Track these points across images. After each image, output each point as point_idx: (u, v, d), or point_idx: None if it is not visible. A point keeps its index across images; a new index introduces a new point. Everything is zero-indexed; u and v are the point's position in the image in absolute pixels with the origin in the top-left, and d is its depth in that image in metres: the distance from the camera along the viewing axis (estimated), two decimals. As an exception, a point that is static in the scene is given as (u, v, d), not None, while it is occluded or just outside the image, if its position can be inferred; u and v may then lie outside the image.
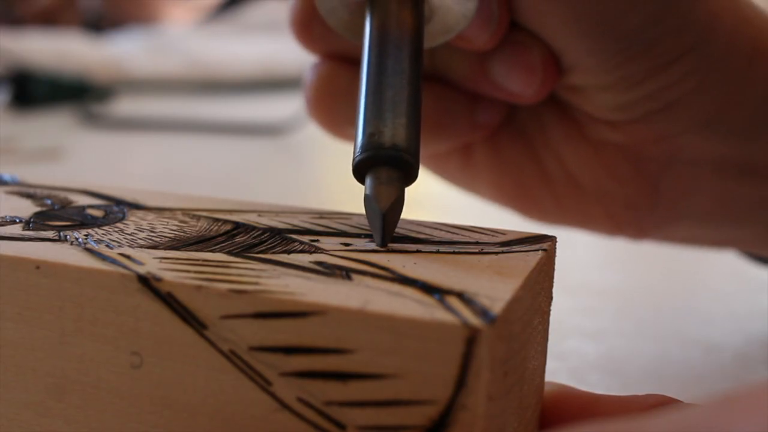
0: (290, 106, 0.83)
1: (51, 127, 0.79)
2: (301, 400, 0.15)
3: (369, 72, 0.21)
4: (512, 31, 0.24)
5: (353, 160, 0.19)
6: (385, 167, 0.19)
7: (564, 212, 0.28)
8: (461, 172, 0.29)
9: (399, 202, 0.18)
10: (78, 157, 0.65)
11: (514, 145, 0.28)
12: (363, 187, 0.19)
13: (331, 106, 0.26)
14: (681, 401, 0.17)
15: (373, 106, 0.20)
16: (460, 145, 0.28)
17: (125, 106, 0.91)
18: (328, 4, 0.23)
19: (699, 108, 0.25)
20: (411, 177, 0.19)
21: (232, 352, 0.15)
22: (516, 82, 0.24)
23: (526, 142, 0.28)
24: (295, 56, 1.14)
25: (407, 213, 0.19)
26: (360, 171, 0.19)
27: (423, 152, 0.29)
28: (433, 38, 0.23)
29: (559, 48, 0.24)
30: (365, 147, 0.19)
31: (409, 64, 0.21)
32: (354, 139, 0.20)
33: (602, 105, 0.25)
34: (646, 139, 0.26)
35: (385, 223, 0.18)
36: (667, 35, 0.23)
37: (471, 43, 0.24)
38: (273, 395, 0.15)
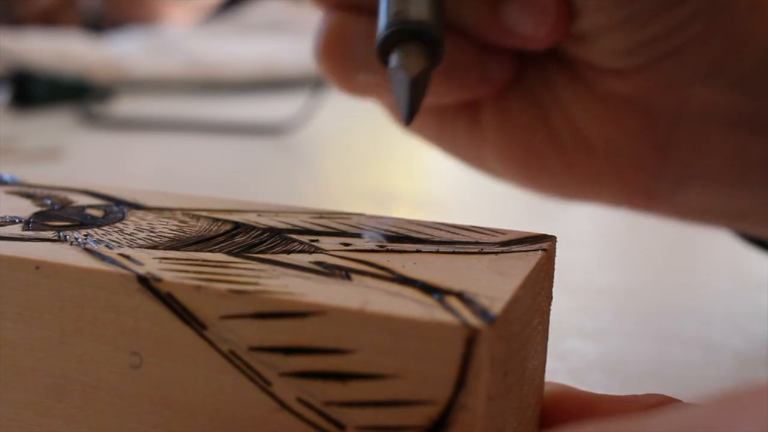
0: (290, 106, 0.83)
1: (51, 127, 0.79)
2: (300, 400, 0.15)
3: None
4: None
5: (378, 38, 0.19)
6: (412, 42, 0.19)
7: (573, 176, 0.28)
8: (468, 137, 0.29)
9: (426, 75, 0.18)
10: (78, 157, 0.65)
11: (522, 106, 0.28)
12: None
13: (342, 53, 0.26)
14: (681, 401, 0.17)
15: None
16: (468, 100, 0.28)
17: (125, 106, 0.91)
18: None
19: (704, 54, 0.25)
20: (437, 55, 0.19)
21: (232, 352, 0.15)
22: (528, 24, 0.24)
23: (534, 102, 0.27)
24: (295, 56, 1.14)
25: (408, 213, 0.19)
26: (385, 48, 0.19)
27: (430, 116, 0.28)
28: None
29: None
30: (391, 23, 0.19)
31: None
32: (378, 22, 0.20)
33: (610, 50, 0.25)
34: (653, 89, 0.25)
35: (412, 93, 0.17)
36: None
37: None
38: (272, 395, 0.15)
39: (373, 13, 0.25)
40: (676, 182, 0.27)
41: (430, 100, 0.27)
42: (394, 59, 0.19)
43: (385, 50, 0.19)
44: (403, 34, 0.19)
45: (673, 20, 0.24)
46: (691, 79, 0.25)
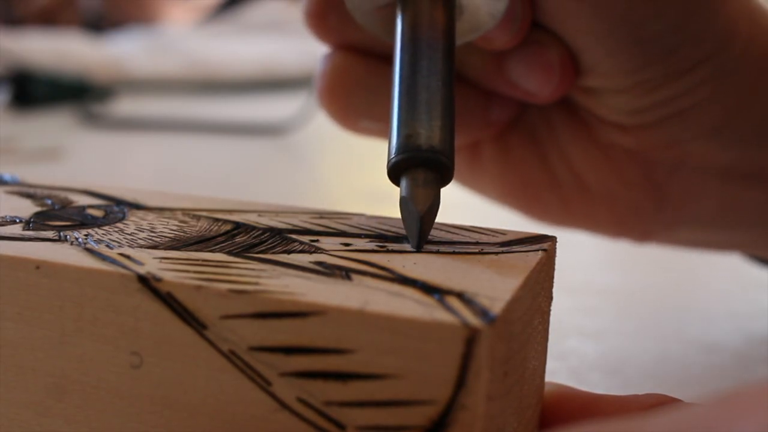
0: (290, 106, 0.83)
1: (51, 127, 0.79)
2: (300, 400, 0.15)
3: (402, 72, 0.21)
4: (531, 30, 0.24)
5: (389, 161, 0.19)
6: (422, 169, 0.19)
7: (570, 214, 0.28)
8: (468, 171, 0.29)
9: (436, 205, 0.18)
10: (78, 157, 0.65)
11: (523, 145, 0.28)
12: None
13: (344, 98, 0.26)
14: (681, 400, 0.17)
15: (408, 107, 0.20)
16: (470, 142, 0.28)
17: (125, 106, 0.91)
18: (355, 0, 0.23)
19: (710, 116, 0.25)
20: (447, 179, 0.19)
21: (232, 352, 0.15)
22: (533, 82, 0.25)
23: (535, 142, 0.28)
24: (295, 56, 1.14)
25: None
26: (396, 173, 0.19)
27: None
28: (458, 37, 0.23)
29: (578, 48, 0.24)
30: (402, 149, 0.19)
31: (443, 64, 0.21)
32: (388, 138, 0.20)
33: (615, 108, 0.25)
34: (655, 144, 0.26)
35: (422, 226, 0.18)
36: (688, 42, 0.23)
37: (491, 43, 0.24)
38: (273, 395, 0.15)
39: (377, 56, 0.26)
40: (671, 224, 0.28)
41: None
42: (404, 187, 0.19)
43: (395, 174, 0.19)
44: (414, 161, 0.19)
45: (680, 87, 0.24)
46: (693, 137, 0.26)
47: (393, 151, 0.19)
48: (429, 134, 0.19)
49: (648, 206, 0.27)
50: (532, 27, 0.24)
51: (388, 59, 0.26)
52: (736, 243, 0.29)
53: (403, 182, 0.19)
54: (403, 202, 0.18)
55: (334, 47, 0.26)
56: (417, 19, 0.21)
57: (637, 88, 0.24)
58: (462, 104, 0.26)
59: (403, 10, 0.22)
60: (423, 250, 0.18)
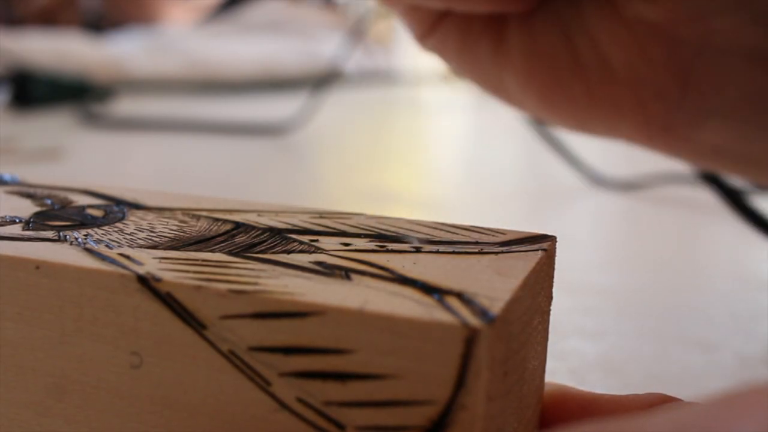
0: (290, 106, 0.83)
1: (51, 127, 0.79)
2: (300, 400, 0.15)
3: None
4: None
5: None
6: None
7: (594, 104, 0.28)
8: (491, 59, 0.29)
9: None
10: (78, 157, 0.65)
11: (548, 28, 0.27)
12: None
13: None
14: (681, 400, 0.17)
15: None
16: (496, 15, 0.28)
17: (125, 106, 0.91)
18: None
19: None
20: None
21: (232, 352, 0.15)
22: None
23: (561, 24, 0.27)
24: (295, 56, 1.14)
25: (407, 213, 0.19)
26: None
27: (454, 34, 0.28)
28: None
29: None
30: None
31: None
32: None
33: None
34: (680, 17, 0.26)
35: None
36: None
37: None
38: (272, 395, 0.15)
39: None
40: (694, 116, 0.27)
41: (462, 6, 0.27)
42: None
43: None
44: None
45: None
46: (717, 10, 0.25)
47: None
48: None
49: (672, 90, 0.27)
50: None
51: None
52: (756, 154, 0.28)
53: None
54: None
55: None
56: None
57: None
58: None
59: None
60: (423, 250, 0.18)
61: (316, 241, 0.18)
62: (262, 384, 0.15)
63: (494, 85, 0.30)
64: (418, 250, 0.18)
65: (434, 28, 0.29)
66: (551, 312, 0.19)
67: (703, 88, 0.26)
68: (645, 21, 0.26)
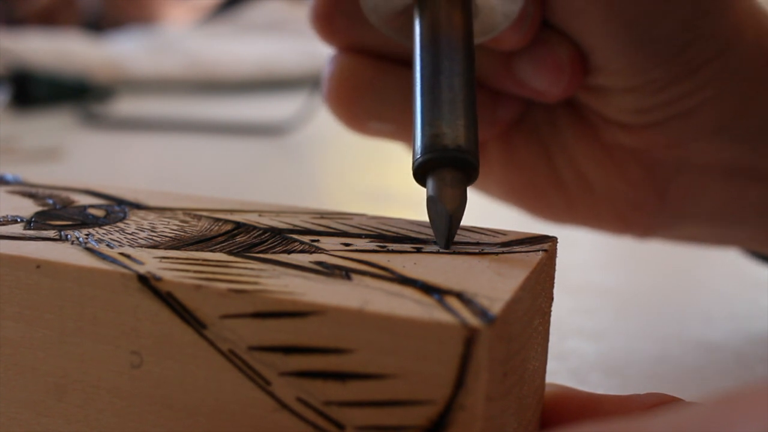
0: (290, 106, 0.83)
1: (51, 127, 0.79)
2: (300, 399, 0.15)
3: (424, 72, 0.21)
4: (540, 29, 0.24)
5: (414, 161, 0.19)
6: (449, 168, 0.19)
7: (574, 212, 0.28)
8: None
9: (464, 204, 0.18)
10: (78, 157, 0.65)
11: (527, 145, 0.28)
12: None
13: (352, 100, 0.26)
14: (682, 400, 0.17)
15: (432, 107, 0.20)
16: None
17: (125, 106, 0.91)
18: (370, 2, 0.23)
19: (714, 115, 0.25)
20: (472, 178, 0.19)
21: (232, 351, 0.15)
22: (542, 81, 0.25)
23: (540, 141, 0.28)
24: (295, 56, 1.14)
25: (407, 213, 0.19)
26: (422, 173, 0.19)
27: None
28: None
29: (588, 47, 0.24)
30: (429, 148, 0.19)
31: (465, 64, 0.21)
32: (411, 139, 0.20)
33: (621, 107, 0.25)
34: (659, 143, 0.26)
35: (451, 225, 0.18)
36: (697, 41, 0.24)
37: (501, 43, 0.24)
38: (272, 395, 0.15)
39: (385, 58, 0.26)
40: (672, 221, 0.28)
41: None
42: (431, 187, 0.19)
43: (421, 174, 0.19)
44: (441, 161, 0.19)
45: (687, 86, 0.24)
46: (696, 136, 0.26)
47: (419, 151, 0.19)
48: (455, 134, 0.19)
49: (651, 204, 0.27)
50: (541, 26, 0.24)
51: (396, 60, 0.26)
52: (736, 239, 0.30)
53: (430, 182, 0.19)
54: (431, 202, 0.18)
55: (340, 49, 0.26)
56: (436, 21, 0.21)
57: (645, 87, 0.24)
58: None
59: (421, 12, 0.22)
60: (423, 250, 0.18)
61: (317, 241, 0.18)
62: (262, 383, 0.15)
63: (478, 188, 0.30)
64: (418, 250, 0.18)
65: None
66: (552, 312, 0.19)
67: (681, 200, 0.27)
68: (623, 145, 0.27)
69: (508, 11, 0.22)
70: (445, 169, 0.19)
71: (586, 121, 0.27)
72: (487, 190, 0.30)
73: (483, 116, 0.26)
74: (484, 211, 0.33)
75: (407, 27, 0.23)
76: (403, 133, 0.27)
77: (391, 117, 0.26)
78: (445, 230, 0.18)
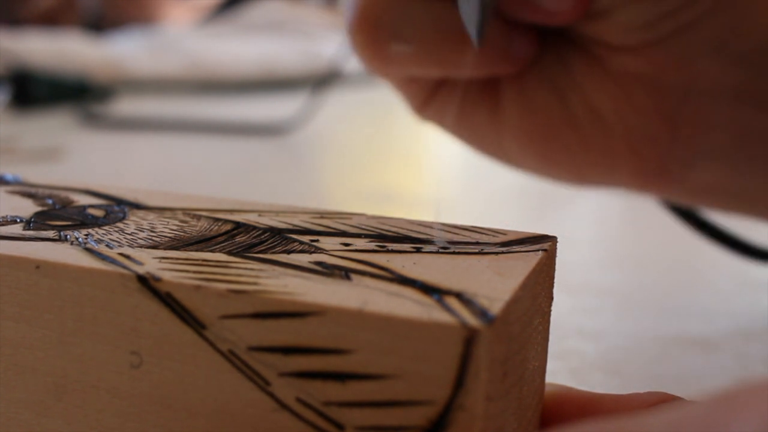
0: (290, 106, 0.83)
1: (51, 127, 0.79)
2: (299, 400, 0.15)
3: None
4: None
5: None
6: None
7: (590, 156, 0.29)
8: (488, 122, 0.30)
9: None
10: (78, 157, 0.65)
11: (541, 88, 0.28)
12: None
13: (375, 24, 0.27)
14: (682, 398, 0.17)
15: None
16: (490, 80, 0.29)
17: (125, 106, 0.91)
18: None
19: (712, 29, 0.26)
20: None
21: (231, 352, 0.15)
22: (553, 0, 0.25)
23: (552, 83, 0.28)
24: (295, 56, 1.14)
25: (407, 213, 0.19)
26: None
27: (451, 102, 0.29)
28: None
29: None
30: None
31: None
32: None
33: (624, 26, 0.26)
34: (664, 64, 0.27)
35: (483, 14, 0.18)
36: None
37: None
38: (272, 395, 0.15)
39: None
40: (686, 159, 0.28)
41: (456, 74, 0.28)
42: None
43: None
44: None
45: None
46: (699, 54, 0.26)
47: None
48: None
49: (662, 135, 0.28)
50: None
51: None
52: (750, 191, 0.29)
53: None
54: None
55: None
56: None
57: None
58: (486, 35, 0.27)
59: None
60: (422, 250, 0.18)
61: (317, 241, 0.18)
62: (262, 384, 0.15)
63: (493, 148, 0.31)
64: (418, 250, 0.18)
65: (431, 98, 0.30)
66: (552, 312, 0.19)
67: (692, 131, 0.27)
68: (630, 72, 0.27)
69: None
70: None
71: (593, 54, 0.27)
72: (504, 145, 0.30)
73: (498, 50, 0.27)
74: (484, 211, 0.33)
75: None
76: (424, 55, 0.27)
77: (413, 36, 0.27)
78: (478, 18, 0.18)
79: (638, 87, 0.27)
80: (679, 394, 0.18)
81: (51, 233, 0.18)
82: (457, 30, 0.25)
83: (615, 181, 0.29)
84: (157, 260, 0.17)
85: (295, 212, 0.20)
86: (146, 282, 0.16)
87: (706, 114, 0.27)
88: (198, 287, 0.15)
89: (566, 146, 0.29)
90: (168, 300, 0.15)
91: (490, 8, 0.18)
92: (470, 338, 0.14)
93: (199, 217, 0.20)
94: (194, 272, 0.16)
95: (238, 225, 0.19)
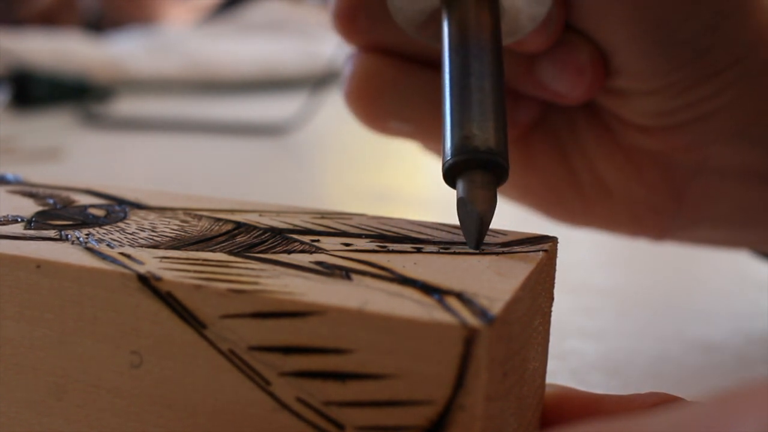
0: (290, 106, 0.83)
1: (51, 127, 0.79)
2: (300, 399, 0.15)
3: (453, 74, 0.21)
4: (563, 31, 0.24)
5: (445, 163, 0.19)
6: (480, 171, 0.19)
7: (590, 214, 0.29)
8: None
9: (493, 206, 0.19)
10: (78, 157, 0.65)
11: (546, 147, 0.28)
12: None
13: (374, 99, 0.26)
14: (683, 399, 0.17)
15: (462, 109, 0.20)
16: None
17: (125, 106, 0.91)
18: (397, 3, 0.23)
19: (732, 119, 0.25)
20: (502, 180, 0.19)
21: (232, 351, 0.15)
22: (564, 83, 0.25)
23: (558, 144, 0.28)
24: (295, 56, 1.14)
25: (407, 213, 0.19)
26: (452, 174, 0.19)
27: None
28: None
29: (610, 49, 0.24)
30: (459, 150, 0.19)
31: (494, 66, 0.21)
32: (441, 141, 0.20)
33: (641, 110, 0.25)
34: (677, 147, 0.26)
35: (481, 227, 0.18)
36: (720, 43, 0.24)
37: (524, 45, 0.24)
38: (272, 395, 0.15)
39: (406, 57, 0.26)
40: (688, 224, 0.28)
41: None
42: (462, 188, 0.19)
43: (452, 176, 0.19)
44: (472, 163, 0.19)
45: (708, 90, 0.24)
46: (715, 140, 0.26)
47: (449, 153, 0.19)
48: (485, 136, 0.19)
49: (667, 207, 0.27)
50: (563, 28, 0.24)
51: (418, 61, 0.26)
52: (750, 241, 0.30)
53: (461, 184, 0.19)
54: (462, 203, 0.18)
55: (362, 48, 0.26)
56: (464, 22, 0.21)
57: (666, 91, 0.24)
58: None
59: (449, 13, 0.22)
60: (423, 250, 0.18)
61: (317, 241, 0.18)
62: (262, 383, 0.15)
63: None
64: (418, 251, 0.18)
65: (431, 147, 0.30)
66: (552, 312, 0.19)
67: (697, 204, 0.27)
68: (641, 148, 0.27)
69: (535, 14, 0.22)
70: (475, 171, 0.19)
71: (605, 124, 0.27)
72: (504, 191, 0.30)
73: None
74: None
75: (432, 28, 0.23)
76: (423, 133, 0.27)
77: (411, 117, 0.26)
78: (476, 231, 0.18)
79: (647, 162, 0.27)
80: (679, 395, 0.18)
81: (52, 233, 0.18)
82: None
83: (615, 233, 0.29)
84: (158, 260, 0.17)
85: (295, 212, 0.20)
86: (147, 281, 0.16)
87: (713, 189, 0.27)
88: (198, 287, 0.15)
89: (567, 204, 0.28)
90: (168, 299, 0.15)
91: (487, 225, 0.18)
92: (470, 338, 0.14)
93: (199, 217, 0.20)
94: (195, 272, 0.16)
95: (238, 225, 0.19)
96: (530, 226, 0.21)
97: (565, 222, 0.29)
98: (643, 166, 0.27)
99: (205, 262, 0.16)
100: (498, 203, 0.19)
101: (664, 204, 0.27)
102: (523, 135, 0.28)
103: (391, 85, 0.26)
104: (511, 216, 0.30)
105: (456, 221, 0.19)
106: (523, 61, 0.25)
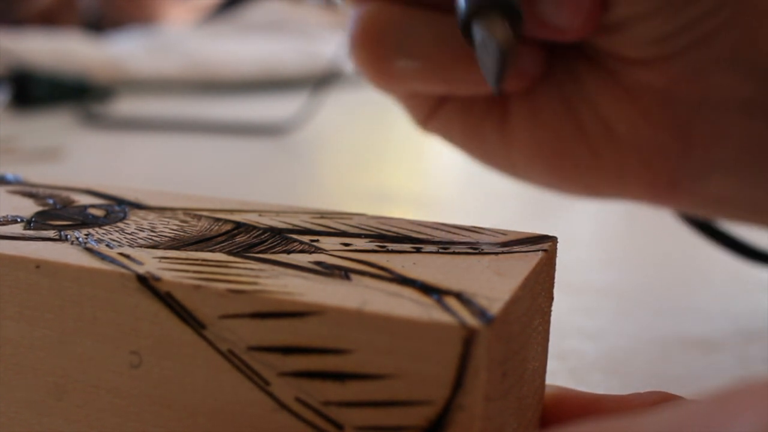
0: (290, 106, 0.83)
1: (51, 127, 0.79)
2: (299, 400, 0.15)
3: None
4: None
5: (462, 10, 0.20)
6: (497, 13, 0.20)
7: (601, 169, 0.28)
8: (497, 137, 0.29)
9: (514, 45, 0.19)
10: (78, 157, 0.65)
11: (551, 102, 0.28)
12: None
13: (380, 39, 0.26)
14: (683, 398, 0.17)
15: None
16: (498, 96, 0.28)
17: (125, 106, 0.91)
18: None
19: (726, 42, 0.26)
20: (518, 28, 0.20)
21: (231, 351, 0.15)
22: (563, 16, 0.25)
23: (562, 97, 0.28)
24: (295, 56, 1.14)
25: (407, 213, 0.19)
26: (468, 20, 0.20)
27: (458, 117, 0.29)
28: None
29: None
30: None
31: None
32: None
33: (640, 39, 0.26)
34: (677, 78, 0.26)
35: (503, 61, 0.18)
36: None
37: None
38: (271, 395, 0.15)
39: (409, 1, 0.26)
40: (698, 172, 0.28)
41: (462, 91, 0.28)
42: (479, 31, 0.19)
43: (467, 23, 0.20)
44: (486, 7, 0.19)
45: (702, 8, 0.25)
46: (713, 67, 0.26)
47: (464, 2, 0.20)
48: None
49: (675, 147, 0.27)
50: None
51: (424, 3, 0.26)
52: (761, 202, 0.29)
53: (479, 26, 0.20)
54: (482, 45, 0.19)
55: None
56: None
57: (661, 12, 0.25)
58: None
59: None
60: (423, 250, 0.18)
61: (317, 241, 0.18)
62: (261, 384, 0.15)
63: (500, 161, 0.30)
64: (417, 251, 0.18)
65: (435, 111, 0.30)
66: (551, 312, 0.19)
67: (704, 143, 0.27)
68: (643, 85, 0.27)
69: None
70: (493, 12, 0.19)
71: (605, 67, 0.27)
72: (512, 159, 0.30)
73: None
74: (484, 211, 0.33)
75: None
76: (431, 70, 0.27)
77: (419, 53, 0.26)
78: (497, 65, 0.18)
79: (651, 99, 0.27)
80: (679, 395, 0.18)
81: (51, 233, 0.18)
82: (463, 46, 0.25)
83: (625, 194, 0.29)
84: (157, 260, 0.17)
85: (295, 212, 0.20)
86: (146, 282, 0.16)
87: (718, 127, 0.27)
88: (198, 287, 0.15)
89: (576, 160, 0.28)
90: (168, 300, 0.15)
91: (510, 57, 0.18)
92: (469, 338, 0.14)
93: (199, 217, 0.20)
94: (194, 272, 0.16)
95: (238, 225, 0.19)
96: (530, 226, 0.21)
97: (576, 184, 0.29)
98: (647, 104, 0.27)
99: (205, 262, 0.16)
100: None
101: (671, 145, 0.27)
102: (529, 91, 0.28)
103: (398, 22, 0.26)
104: (511, 216, 0.30)
105: (456, 221, 0.19)
106: (523, 0, 0.26)
